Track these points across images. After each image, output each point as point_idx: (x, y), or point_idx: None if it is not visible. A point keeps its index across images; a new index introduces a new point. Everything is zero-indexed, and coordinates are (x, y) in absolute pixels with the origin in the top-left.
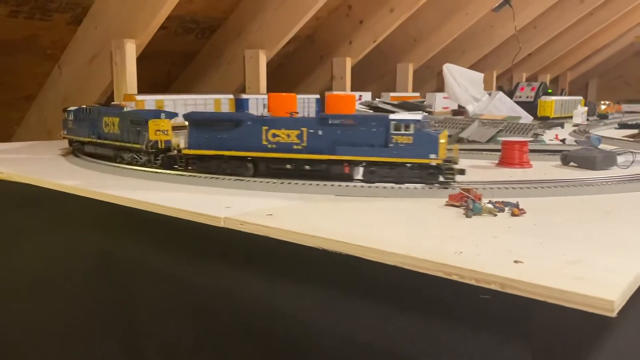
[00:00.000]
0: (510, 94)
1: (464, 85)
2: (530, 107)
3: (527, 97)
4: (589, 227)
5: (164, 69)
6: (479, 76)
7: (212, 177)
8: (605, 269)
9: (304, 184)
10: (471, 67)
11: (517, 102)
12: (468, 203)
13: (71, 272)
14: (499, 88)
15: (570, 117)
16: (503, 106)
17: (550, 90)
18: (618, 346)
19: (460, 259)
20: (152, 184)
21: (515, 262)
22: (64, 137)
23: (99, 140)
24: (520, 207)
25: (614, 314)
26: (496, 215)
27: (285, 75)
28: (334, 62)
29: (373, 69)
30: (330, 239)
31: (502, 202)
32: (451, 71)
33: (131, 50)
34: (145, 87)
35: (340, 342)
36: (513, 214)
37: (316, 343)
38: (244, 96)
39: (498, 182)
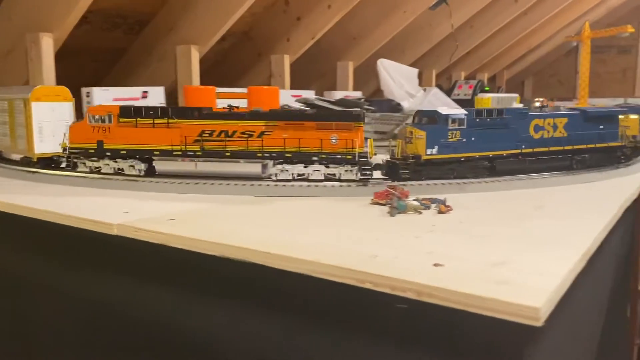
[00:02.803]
0: (449, 92)
1: (399, 81)
2: (468, 104)
3: (465, 94)
4: (518, 224)
5: (91, 66)
6: (414, 72)
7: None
8: (532, 271)
9: (221, 184)
10: (411, 66)
11: (455, 100)
12: (392, 201)
13: None
14: (438, 86)
15: None
16: (438, 102)
17: (487, 88)
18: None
19: (375, 264)
20: (65, 189)
21: (435, 265)
22: None
23: None
24: (448, 203)
25: (539, 323)
26: (421, 213)
27: (222, 72)
28: (272, 60)
29: (314, 67)
30: (232, 246)
31: (430, 199)
32: (386, 67)
33: (48, 45)
34: (70, 85)
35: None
36: (440, 211)
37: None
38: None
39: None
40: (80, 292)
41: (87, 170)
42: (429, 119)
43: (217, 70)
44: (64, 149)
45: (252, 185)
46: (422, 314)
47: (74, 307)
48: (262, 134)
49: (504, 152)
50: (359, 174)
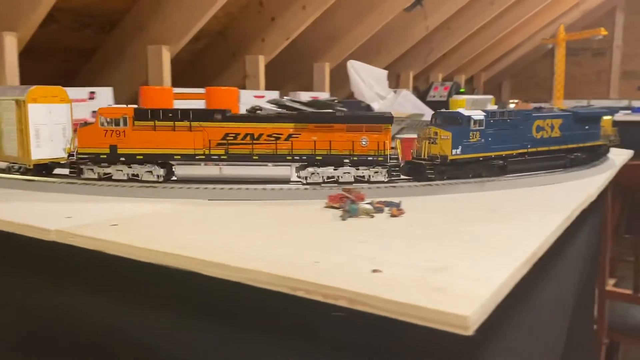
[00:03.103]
0: (425, 94)
1: (370, 83)
2: (443, 105)
3: (441, 96)
4: (469, 228)
5: (60, 66)
6: (383, 73)
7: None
8: (471, 277)
9: (181, 188)
10: (388, 67)
11: (431, 102)
12: (345, 205)
13: None
14: (415, 88)
15: None
16: (408, 104)
17: (462, 90)
18: None
19: (313, 271)
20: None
21: (374, 271)
22: None
23: None
24: (401, 207)
25: (469, 332)
26: (373, 216)
27: (196, 73)
28: (247, 60)
29: (290, 68)
30: (168, 253)
31: (384, 202)
32: (356, 68)
33: (11, 44)
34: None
35: None
36: (392, 215)
37: None
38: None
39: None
40: (21, 299)
41: (95, 176)
42: (450, 120)
43: (191, 71)
44: (70, 155)
45: (205, 188)
46: (359, 322)
47: (11, 313)
48: (290, 136)
49: (514, 152)
50: (387, 176)
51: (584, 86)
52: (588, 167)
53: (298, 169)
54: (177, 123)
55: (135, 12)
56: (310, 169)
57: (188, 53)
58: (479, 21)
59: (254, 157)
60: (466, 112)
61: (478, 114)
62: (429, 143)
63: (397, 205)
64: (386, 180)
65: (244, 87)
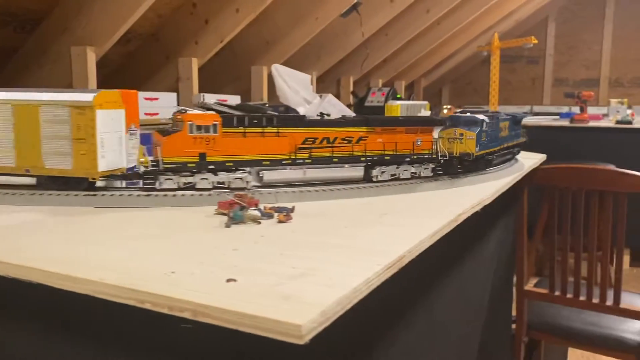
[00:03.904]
0: (363, 99)
1: (295, 88)
2: (380, 111)
3: (378, 101)
4: (351, 232)
5: None
6: (307, 77)
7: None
8: (326, 283)
9: (68, 194)
10: (327, 73)
11: (369, 107)
12: (230, 211)
13: None
14: (352, 93)
15: None
16: (333, 108)
17: (399, 96)
18: None
19: (165, 281)
20: None
21: (228, 280)
22: None
23: None
24: (292, 212)
25: (302, 341)
26: (260, 222)
27: (128, 75)
28: (180, 62)
29: (227, 71)
30: (13, 264)
31: (277, 207)
32: (280, 73)
33: None
34: None
35: None
36: (279, 221)
37: None
38: None
39: (288, 185)
40: None
41: (175, 187)
42: (471, 123)
43: (122, 73)
44: (147, 165)
45: (94, 195)
46: (210, 334)
47: None
48: (360, 139)
49: (497, 149)
50: (432, 172)
51: (519, 92)
52: (505, 168)
53: (367, 168)
54: (266, 129)
55: (59, 11)
56: (381, 168)
57: (118, 55)
58: (416, 28)
59: (334, 160)
60: (481, 117)
61: (487, 119)
62: (453, 142)
63: (291, 210)
64: (431, 175)
65: (176, 90)
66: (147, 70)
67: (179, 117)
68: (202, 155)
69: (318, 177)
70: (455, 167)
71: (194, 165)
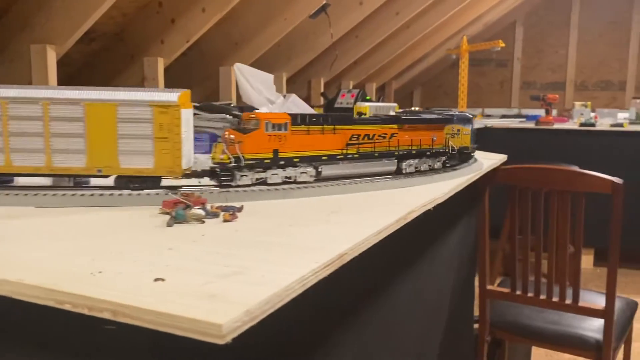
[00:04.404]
0: (333, 101)
1: (258, 87)
2: (350, 112)
3: (348, 103)
4: (292, 231)
5: None
6: (270, 77)
7: None
8: (256, 282)
9: (7, 194)
10: (298, 74)
11: (339, 108)
12: (173, 210)
13: None
14: (322, 94)
15: None
16: (296, 108)
17: (368, 97)
18: None
19: (87, 282)
20: None
21: (156, 280)
22: None
23: None
24: (240, 211)
25: (224, 341)
26: (204, 222)
27: (92, 75)
28: (145, 62)
29: (194, 71)
30: None
31: (224, 206)
32: (243, 72)
33: None
34: None
35: None
36: (225, 220)
37: None
38: None
39: (243, 185)
40: None
41: (249, 182)
42: (465, 120)
43: (86, 73)
44: (221, 163)
45: (35, 195)
46: (135, 336)
47: None
48: (392, 135)
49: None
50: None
51: (488, 95)
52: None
53: (398, 162)
54: (325, 127)
55: (18, 8)
56: (410, 161)
57: (82, 54)
58: (385, 31)
59: (375, 155)
60: (471, 115)
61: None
62: (455, 137)
63: (239, 209)
64: (442, 167)
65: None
66: (111, 69)
67: (252, 116)
68: (275, 152)
69: (363, 171)
70: (458, 160)
71: (269, 161)
